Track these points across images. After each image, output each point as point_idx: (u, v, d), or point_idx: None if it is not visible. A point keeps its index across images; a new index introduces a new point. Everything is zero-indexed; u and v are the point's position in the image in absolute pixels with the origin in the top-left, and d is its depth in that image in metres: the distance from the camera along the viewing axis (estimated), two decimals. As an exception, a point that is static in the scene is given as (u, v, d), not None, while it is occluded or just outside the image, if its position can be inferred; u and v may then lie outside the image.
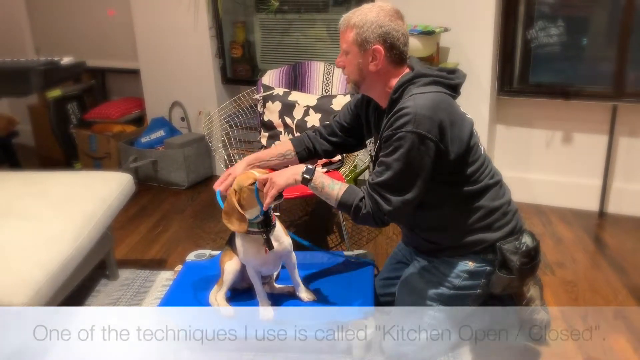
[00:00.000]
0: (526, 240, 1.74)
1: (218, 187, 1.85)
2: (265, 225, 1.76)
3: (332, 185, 1.70)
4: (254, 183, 1.68)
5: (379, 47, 1.64)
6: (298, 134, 2.73)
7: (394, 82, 1.69)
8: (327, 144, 1.99)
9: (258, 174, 1.72)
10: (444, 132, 1.59)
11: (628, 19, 2.83)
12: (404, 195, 1.61)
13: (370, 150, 1.90)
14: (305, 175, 1.70)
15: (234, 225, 1.71)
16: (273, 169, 1.90)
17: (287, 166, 1.89)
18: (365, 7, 1.66)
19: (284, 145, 1.99)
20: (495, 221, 1.74)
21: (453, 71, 1.72)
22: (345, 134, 1.98)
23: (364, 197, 1.67)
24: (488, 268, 1.77)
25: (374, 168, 1.77)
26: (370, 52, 1.65)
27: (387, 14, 1.64)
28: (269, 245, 1.76)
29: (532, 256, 1.74)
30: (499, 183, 1.79)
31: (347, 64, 1.71)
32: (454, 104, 1.67)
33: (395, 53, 1.67)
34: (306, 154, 1.99)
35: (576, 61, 3.14)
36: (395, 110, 1.61)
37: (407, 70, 1.72)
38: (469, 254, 1.77)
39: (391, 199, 1.61)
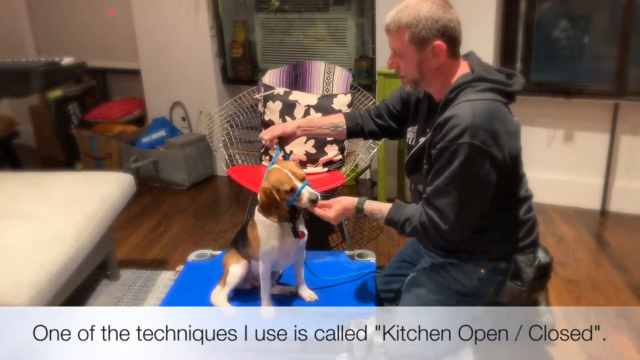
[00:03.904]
0: (540, 255, 1.73)
1: (265, 138, 1.90)
2: (293, 216, 1.77)
3: (381, 209, 1.73)
4: (290, 191, 1.68)
5: (439, 42, 1.56)
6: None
7: (452, 72, 1.63)
8: (374, 125, 1.99)
9: (293, 176, 1.69)
10: (500, 142, 1.52)
11: (629, 17, 2.82)
12: (464, 211, 1.56)
13: (408, 140, 1.87)
14: (357, 209, 1.76)
15: (274, 217, 1.72)
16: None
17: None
18: (412, 1, 1.57)
19: (337, 117, 2.00)
20: (520, 233, 1.73)
21: (511, 75, 1.66)
22: (391, 118, 1.96)
23: (411, 216, 1.65)
24: (499, 277, 1.75)
25: (408, 160, 1.76)
26: (429, 49, 1.57)
27: (439, 6, 1.56)
28: (295, 234, 1.77)
29: (544, 272, 1.73)
30: (532, 197, 1.78)
31: (404, 64, 1.64)
32: (508, 113, 1.61)
33: (455, 45, 1.61)
34: (356, 130, 1.99)
35: (578, 59, 3.13)
36: (449, 116, 1.54)
37: (463, 63, 1.66)
38: (483, 260, 1.75)
39: (449, 215, 1.56)
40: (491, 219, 1.70)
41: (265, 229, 1.78)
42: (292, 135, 1.95)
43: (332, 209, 1.75)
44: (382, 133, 2.02)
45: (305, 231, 1.84)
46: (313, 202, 1.69)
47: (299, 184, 1.68)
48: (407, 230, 1.67)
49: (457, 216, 1.56)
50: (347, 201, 1.77)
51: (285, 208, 1.72)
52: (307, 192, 1.68)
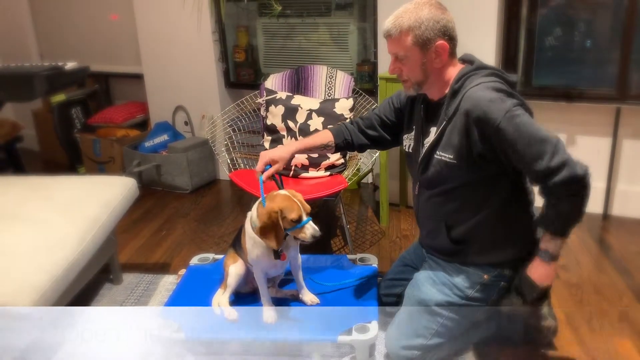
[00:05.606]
0: None
1: (260, 172, 1.84)
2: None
3: (558, 238, 1.67)
4: (297, 219, 1.67)
5: (442, 42, 1.62)
6: (301, 137, 2.73)
7: (451, 73, 1.68)
8: (364, 138, 1.99)
9: (301, 203, 1.69)
10: (524, 103, 1.60)
11: (631, 21, 2.83)
12: (564, 148, 1.59)
13: (405, 147, 1.89)
14: (553, 260, 1.69)
15: (271, 242, 1.70)
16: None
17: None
18: (410, 6, 1.63)
19: (325, 136, 1.99)
20: (525, 236, 1.74)
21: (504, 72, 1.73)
22: (383, 128, 1.97)
23: (556, 207, 1.61)
24: (502, 283, 1.76)
25: (421, 162, 1.76)
26: (433, 50, 1.63)
27: (437, 8, 1.62)
28: (276, 256, 1.76)
29: (546, 293, 1.74)
30: (533, 194, 1.78)
31: (407, 68, 1.68)
32: None
33: (454, 44, 1.67)
34: (344, 145, 2.00)
35: (579, 63, 3.13)
36: (472, 105, 1.57)
37: (459, 64, 1.72)
38: (487, 265, 1.76)
39: (563, 165, 1.57)
40: (502, 213, 1.71)
41: (250, 240, 1.80)
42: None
43: (536, 276, 1.68)
44: (373, 144, 2.02)
45: (293, 243, 1.84)
46: (314, 237, 1.69)
47: (305, 217, 1.69)
48: (572, 214, 1.63)
49: (567, 157, 1.58)
50: (542, 269, 1.68)
51: (283, 236, 1.71)
52: (310, 227, 1.68)
